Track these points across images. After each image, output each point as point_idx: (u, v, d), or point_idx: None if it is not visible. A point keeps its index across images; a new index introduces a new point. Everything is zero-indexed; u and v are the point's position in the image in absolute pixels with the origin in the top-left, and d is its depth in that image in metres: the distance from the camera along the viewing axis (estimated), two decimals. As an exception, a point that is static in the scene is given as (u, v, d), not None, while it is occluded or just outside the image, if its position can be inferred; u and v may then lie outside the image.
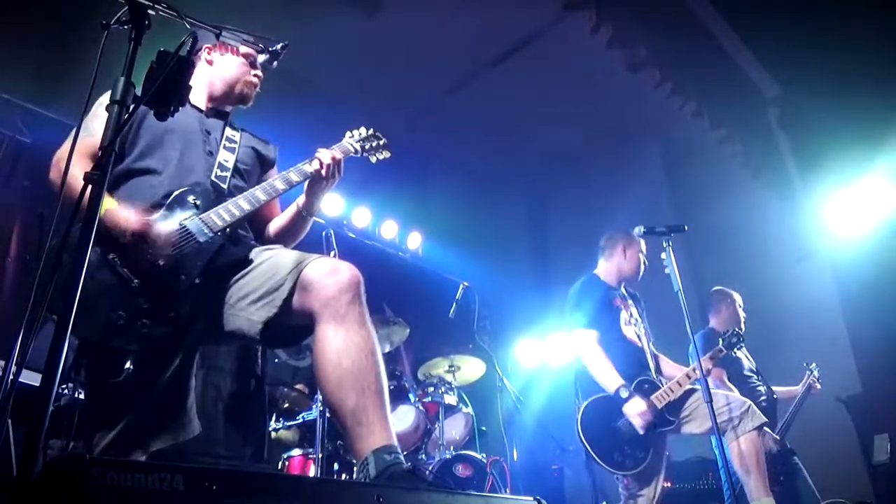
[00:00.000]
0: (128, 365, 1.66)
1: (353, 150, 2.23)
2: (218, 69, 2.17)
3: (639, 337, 3.56)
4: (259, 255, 1.86)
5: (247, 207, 1.90)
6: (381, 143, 2.33)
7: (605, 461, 3.18)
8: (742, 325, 4.21)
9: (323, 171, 2.03)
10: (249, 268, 1.82)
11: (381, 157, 2.34)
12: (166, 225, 1.79)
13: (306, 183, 2.07)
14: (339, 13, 4.56)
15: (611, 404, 3.28)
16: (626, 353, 3.43)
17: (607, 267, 3.74)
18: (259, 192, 1.94)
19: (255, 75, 2.19)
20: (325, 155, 2.05)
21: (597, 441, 3.22)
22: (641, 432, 3.19)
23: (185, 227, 1.80)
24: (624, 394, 3.24)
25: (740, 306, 4.27)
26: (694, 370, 3.31)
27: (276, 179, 2.00)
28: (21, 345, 1.11)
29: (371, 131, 2.32)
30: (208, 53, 2.16)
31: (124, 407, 1.79)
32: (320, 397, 3.38)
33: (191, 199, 1.86)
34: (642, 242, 3.71)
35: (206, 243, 1.79)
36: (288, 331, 1.76)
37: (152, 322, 1.69)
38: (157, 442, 1.86)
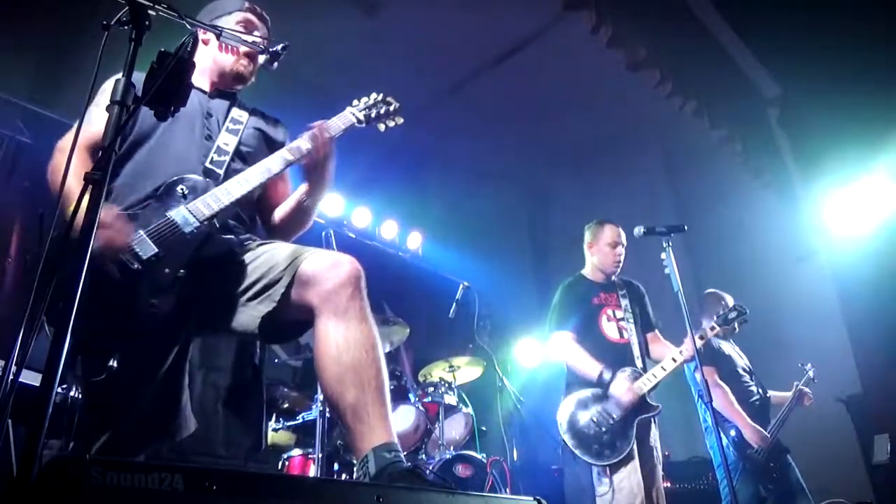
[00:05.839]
0: (112, 363, 1.61)
1: (354, 120, 2.10)
2: (212, 48, 2.11)
3: (621, 332, 3.51)
4: (256, 248, 1.82)
5: (237, 192, 1.81)
6: (392, 108, 2.15)
7: (585, 453, 3.18)
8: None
9: (314, 151, 1.93)
10: (246, 262, 1.78)
11: (391, 124, 2.15)
12: (155, 216, 1.74)
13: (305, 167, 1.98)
14: (339, 13, 4.57)
15: (587, 398, 3.31)
16: (606, 351, 3.41)
17: (587, 265, 3.75)
18: (251, 174, 1.86)
19: (245, 54, 2.10)
20: (315, 131, 1.95)
21: (576, 434, 3.24)
22: (629, 408, 3.19)
23: (170, 218, 1.73)
24: (607, 375, 3.26)
25: None
26: (680, 353, 3.32)
27: (270, 159, 1.91)
28: (21, 345, 1.11)
29: (381, 97, 2.16)
30: (203, 34, 2.05)
31: (118, 406, 1.76)
32: (320, 397, 3.38)
33: (179, 189, 1.79)
34: (610, 232, 3.65)
35: (191, 234, 1.73)
36: (287, 326, 1.72)
37: (134, 319, 1.64)
38: (154, 441, 1.84)
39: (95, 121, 1.75)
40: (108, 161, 1.22)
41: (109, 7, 1.37)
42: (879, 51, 4.66)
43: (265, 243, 1.86)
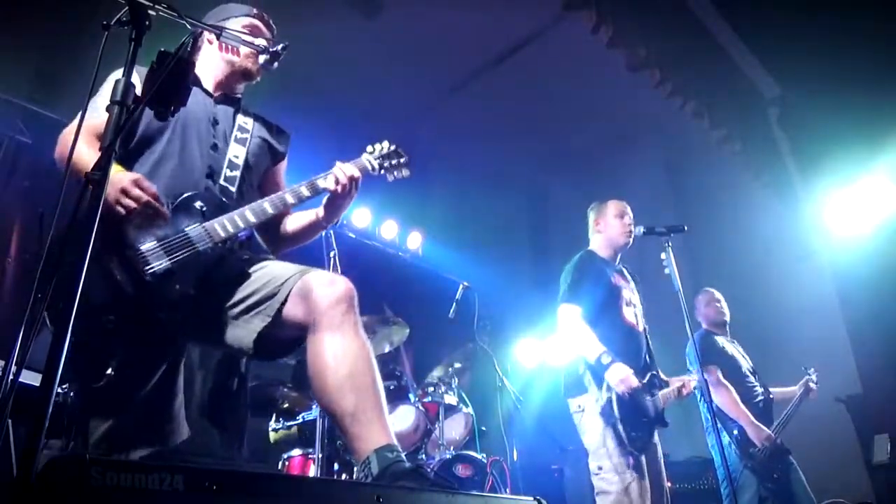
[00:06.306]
0: (109, 371, 1.64)
1: (370, 167, 2.14)
2: (218, 48, 2.12)
3: (636, 320, 3.41)
4: (255, 264, 1.85)
5: (252, 220, 1.87)
6: (402, 160, 2.22)
7: (627, 436, 3.04)
8: (727, 319, 4.23)
9: (339, 189, 1.98)
10: (245, 277, 1.81)
11: (399, 175, 2.22)
12: (171, 229, 1.77)
13: (325, 196, 2.03)
14: (340, 14, 4.56)
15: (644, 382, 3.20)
16: (626, 338, 3.27)
17: (596, 242, 3.60)
18: (267, 206, 1.90)
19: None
20: (341, 173, 1.99)
21: (625, 411, 3.07)
22: (627, 397, 3.08)
23: (186, 233, 1.77)
24: (605, 360, 3.09)
25: (719, 302, 4.27)
26: (686, 383, 3.32)
27: (286, 193, 1.96)
28: (21, 345, 1.11)
29: (393, 148, 2.21)
30: (210, 33, 2.07)
31: (109, 410, 1.77)
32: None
33: (198, 204, 1.82)
34: (615, 205, 3.56)
35: (204, 253, 1.77)
36: (279, 342, 1.77)
37: (141, 329, 1.68)
38: (143, 447, 1.83)
39: (102, 107, 1.76)
40: (108, 161, 1.22)
41: (109, 7, 1.37)
42: (880, 51, 4.66)
43: (262, 259, 1.90)
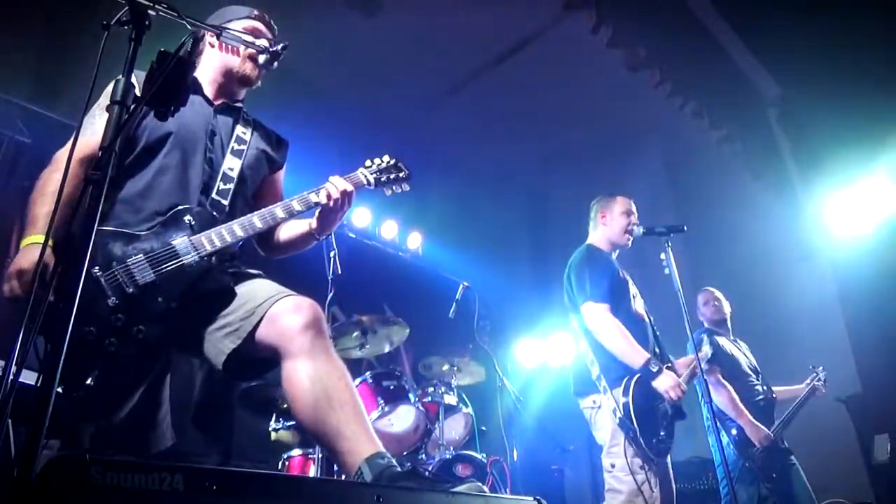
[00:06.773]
0: (89, 381, 1.63)
1: (365, 182, 2.10)
2: (218, 50, 2.11)
3: (643, 311, 3.36)
4: (240, 280, 1.86)
5: (240, 234, 1.87)
6: (402, 175, 2.16)
7: (647, 444, 2.97)
8: (726, 317, 4.24)
9: (331, 204, 1.98)
10: (229, 294, 1.82)
11: (397, 190, 2.16)
12: (158, 242, 1.78)
13: (317, 210, 2.02)
14: (340, 13, 4.57)
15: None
16: (638, 330, 3.20)
17: (596, 236, 3.55)
18: (256, 220, 1.90)
19: (250, 57, 2.10)
20: (333, 188, 1.99)
21: (643, 421, 2.99)
22: (677, 402, 3.04)
23: (173, 246, 1.78)
24: (654, 367, 3.02)
25: (718, 301, 4.28)
26: (693, 363, 3.30)
27: (277, 207, 1.96)
28: (21, 345, 1.11)
29: (393, 162, 2.16)
30: (211, 37, 2.10)
31: (91, 417, 1.77)
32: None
33: (187, 218, 1.83)
34: (623, 201, 3.53)
35: (189, 266, 1.78)
36: (251, 363, 1.79)
37: (120, 341, 1.68)
38: (125, 453, 1.84)
39: (92, 135, 1.77)
40: (107, 161, 1.22)
41: (109, 7, 1.37)
42: (880, 51, 4.66)
43: (249, 276, 1.90)
